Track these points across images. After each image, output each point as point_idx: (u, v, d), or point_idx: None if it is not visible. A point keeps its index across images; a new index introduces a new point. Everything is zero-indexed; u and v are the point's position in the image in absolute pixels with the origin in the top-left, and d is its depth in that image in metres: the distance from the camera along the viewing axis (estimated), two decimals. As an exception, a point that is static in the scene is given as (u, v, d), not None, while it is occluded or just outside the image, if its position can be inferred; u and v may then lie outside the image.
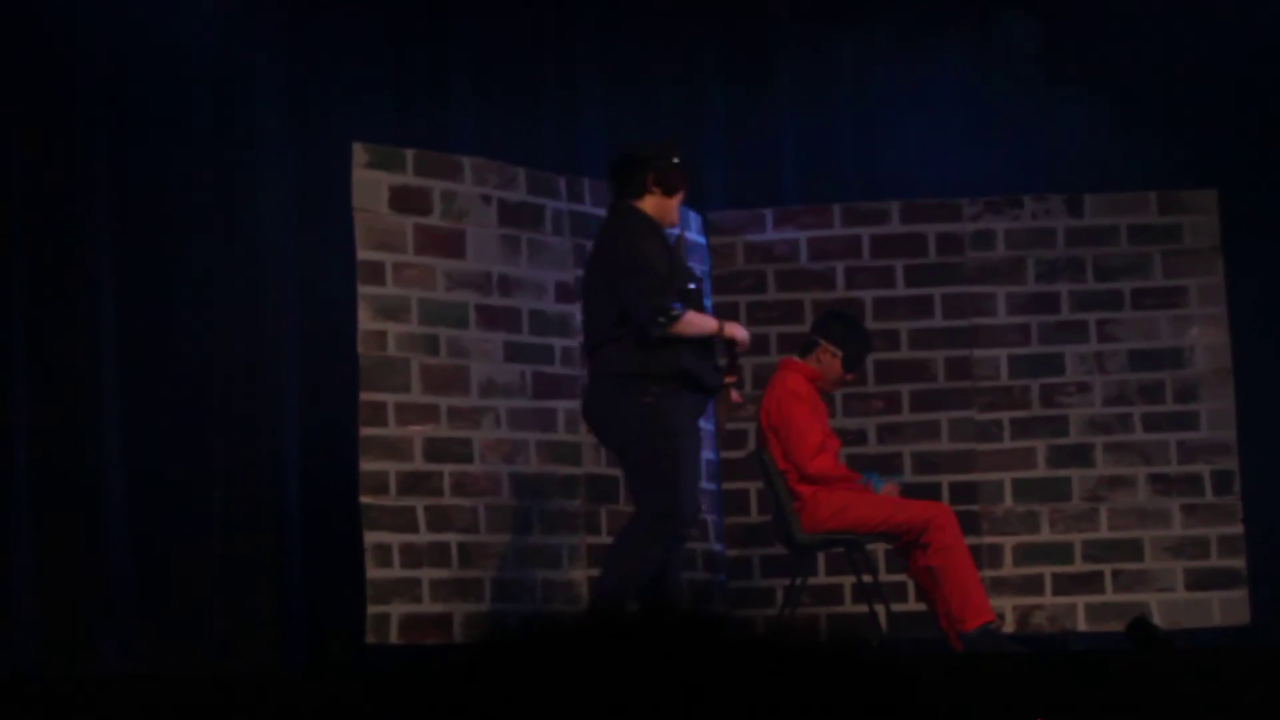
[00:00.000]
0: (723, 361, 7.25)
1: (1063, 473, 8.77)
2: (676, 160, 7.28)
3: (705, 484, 8.73)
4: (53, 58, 8.27)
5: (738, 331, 7.24)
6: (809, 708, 2.46)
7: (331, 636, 7.47)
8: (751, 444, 8.63)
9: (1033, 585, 8.72)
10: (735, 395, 7.45)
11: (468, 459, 7.94)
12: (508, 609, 7.96)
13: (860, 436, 8.68)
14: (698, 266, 8.79)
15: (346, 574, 7.95)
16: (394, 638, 7.69)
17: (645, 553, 7.08)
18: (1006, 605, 8.64)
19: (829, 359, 8.08)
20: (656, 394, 7.10)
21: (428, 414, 7.87)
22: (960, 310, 8.86)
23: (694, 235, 8.84)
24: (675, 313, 7.07)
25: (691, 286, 7.25)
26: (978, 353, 8.85)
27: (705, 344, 7.19)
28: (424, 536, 7.80)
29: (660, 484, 7.08)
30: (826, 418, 8.20)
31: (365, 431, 7.72)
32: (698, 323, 7.14)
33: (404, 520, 7.77)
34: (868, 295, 8.87)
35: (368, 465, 7.71)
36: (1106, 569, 8.72)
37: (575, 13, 9.48)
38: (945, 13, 9.60)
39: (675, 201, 7.29)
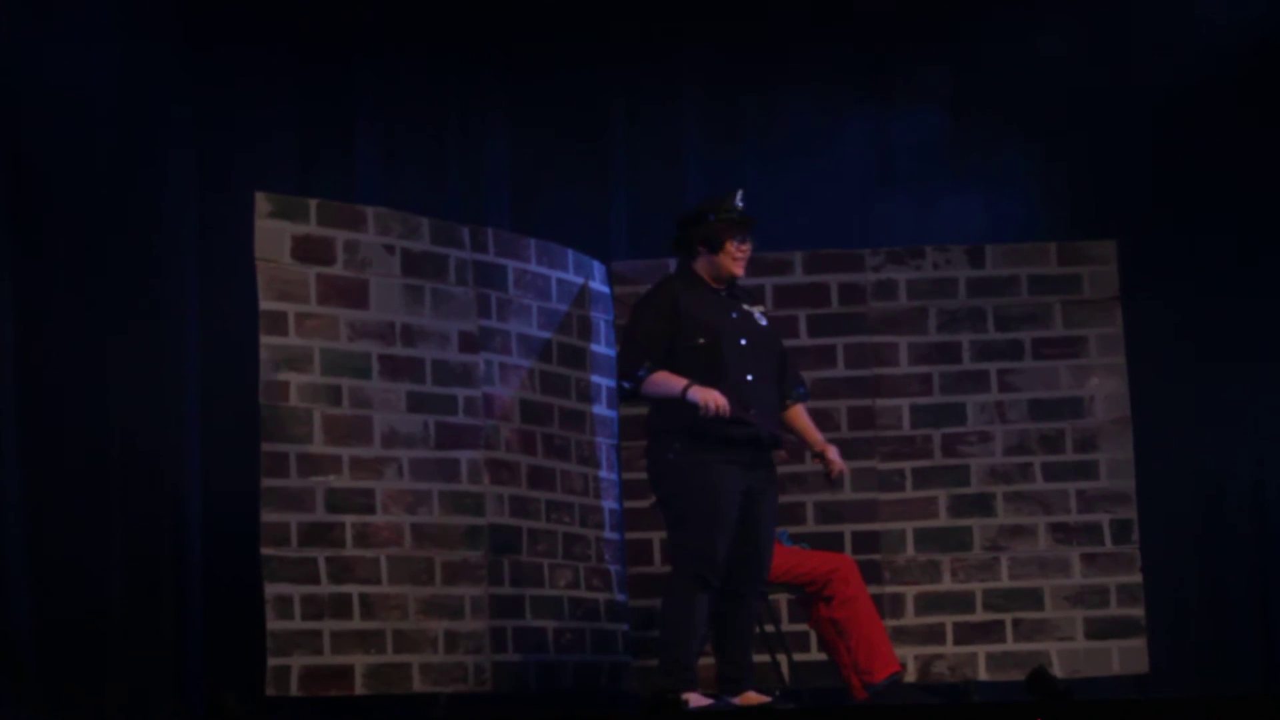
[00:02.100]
0: (748, 414, 7.48)
1: (964, 522, 8.82)
2: (723, 215, 7.58)
3: (610, 534, 8.75)
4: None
5: (699, 396, 7.33)
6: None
7: (231, 689, 7.42)
8: (654, 495, 8.65)
9: (934, 634, 8.76)
10: (832, 461, 7.69)
11: (370, 510, 7.91)
12: (410, 660, 7.93)
13: (763, 486, 8.69)
14: (601, 316, 8.82)
15: (247, 626, 7.91)
16: (294, 690, 7.64)
17: (689, 609, 7.37)
18: (908, 654, 8.67)
19: None
20: (678, 450, 7.42)
21: (330, 465, 7.84)
22: (862, 360, 8.91)
23: (598, 285, 8.87)
24: (639, 376, 7.44)
25: (701, 341, 7.46)
26: (880, 402, 8.90)
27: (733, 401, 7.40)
28: (325, 588, 7.77)
29: (686, 540, 7.40)
30: None
31: (266, 482, 7.68)
32: (661, 384, 7.41)
33: (305, 571, 7.73)
34: (771, 345, 8.89)
35: (269, 516, 7.67)
36: (1007, 618, 8.77)
37: (480, 62, 9.50)
38: (848, 65, 9.67)
39: (724, 256, 7.60)
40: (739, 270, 7.64)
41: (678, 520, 7.45)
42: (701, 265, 7.63)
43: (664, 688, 7.19)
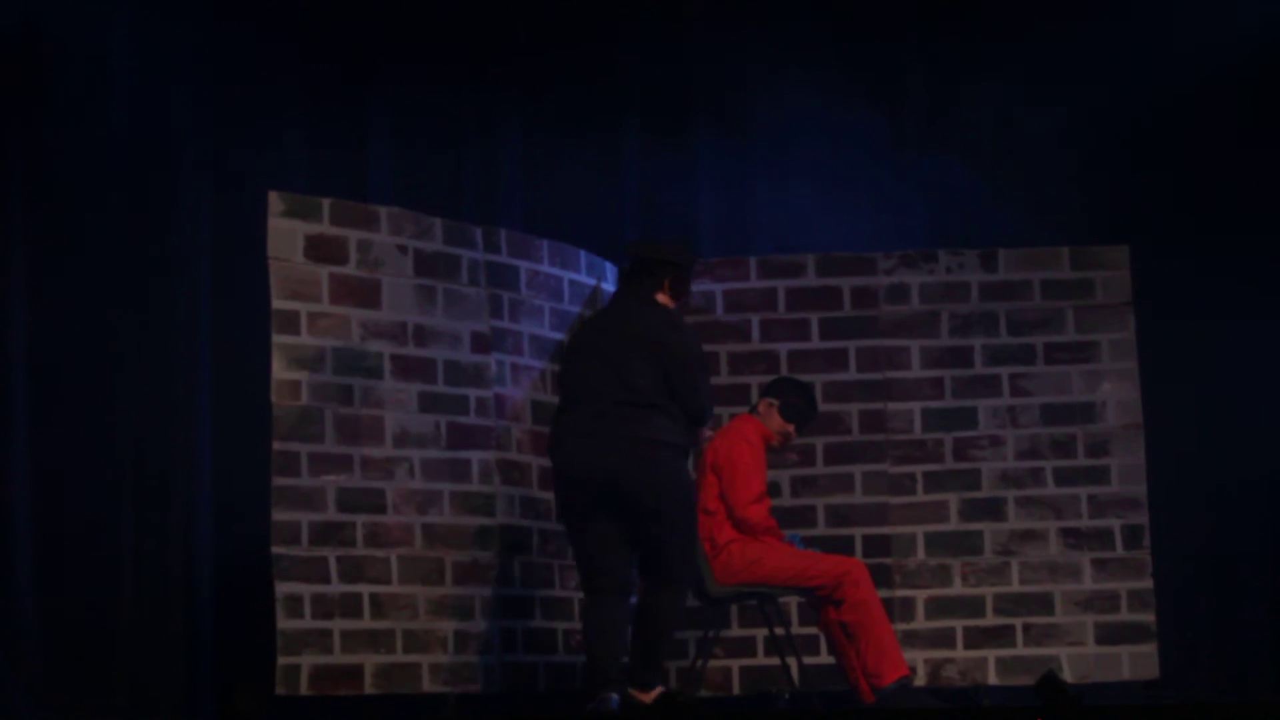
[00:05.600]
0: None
1: (974, 526, 8.81)
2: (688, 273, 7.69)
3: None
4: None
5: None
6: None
7: (241, 688, 7.41)
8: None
9: (944, 638, 8.75)
10: None
11: (381, 509, 7.91)
12: (420, 661, 7.93)
13: (774, 489, 8.69)
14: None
15: (257, 624, 7.91)
16: (304, 689, 7.64)
17: (679, 617, 7.64)
18: (918, 658, 8.67)
19: (766, 409, 8.26)
20: (681, 465, 7.55)
21: (341, 464, 7.84)
22: (874, 363, 8.91)
23: (610, 286, 8.86)
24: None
25: None
26: (891, 406, 8.89)
27: None
28: (336, 587, 7.77)
29: (689, 553, 7.57)
30: (767, 474, 8.25)
31: (278, 481, 7.68)
32: None
33: (316, 570, 7.73)
34: (782, 348, 8.90)
35: (280, 515, 7.67)
36: (1017, 623, 8.76)
37: (494, 63, 9.50)
38: (861, 68, 9.67)
39: (675, 308, 7.69)
40: None
41: (686, 530, 7.49)
42: (666, 302, 7.65)
43: (593, 686, 7.35)
